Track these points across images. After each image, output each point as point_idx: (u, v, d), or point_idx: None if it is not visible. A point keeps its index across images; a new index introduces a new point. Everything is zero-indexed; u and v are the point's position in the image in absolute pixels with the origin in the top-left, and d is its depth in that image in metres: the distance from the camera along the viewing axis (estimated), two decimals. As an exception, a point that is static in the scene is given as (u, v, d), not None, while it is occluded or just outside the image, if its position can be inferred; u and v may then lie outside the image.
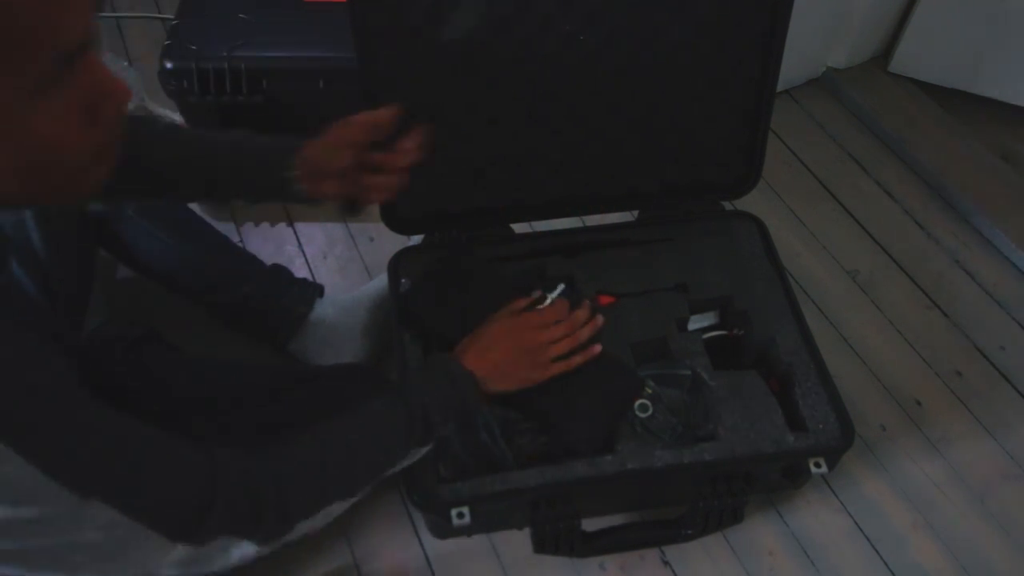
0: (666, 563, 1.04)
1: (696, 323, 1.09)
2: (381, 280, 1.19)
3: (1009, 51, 1.46)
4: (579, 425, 0.93)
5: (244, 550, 0.69)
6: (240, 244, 1.33)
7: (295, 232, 1.38)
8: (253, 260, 1.19)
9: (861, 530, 1.08)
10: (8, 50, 0.46)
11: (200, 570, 0.68)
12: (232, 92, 1.25)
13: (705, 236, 1.13)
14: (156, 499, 0.60)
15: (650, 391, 0.98)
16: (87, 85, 0.53)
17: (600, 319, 0.96)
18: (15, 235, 0.96)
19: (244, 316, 1.17)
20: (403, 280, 1.08)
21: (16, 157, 0.52)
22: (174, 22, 1.31)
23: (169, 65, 1.25)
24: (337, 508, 0.84)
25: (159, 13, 1.69)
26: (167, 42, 1.28)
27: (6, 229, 0.96)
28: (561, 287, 1.00)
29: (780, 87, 1.09)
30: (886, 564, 1.05)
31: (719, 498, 0.94)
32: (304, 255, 1.35)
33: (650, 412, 0.96)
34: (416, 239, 1.16)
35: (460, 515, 0.89)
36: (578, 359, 0.92)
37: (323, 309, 1.17)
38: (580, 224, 1.22)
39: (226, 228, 1.34)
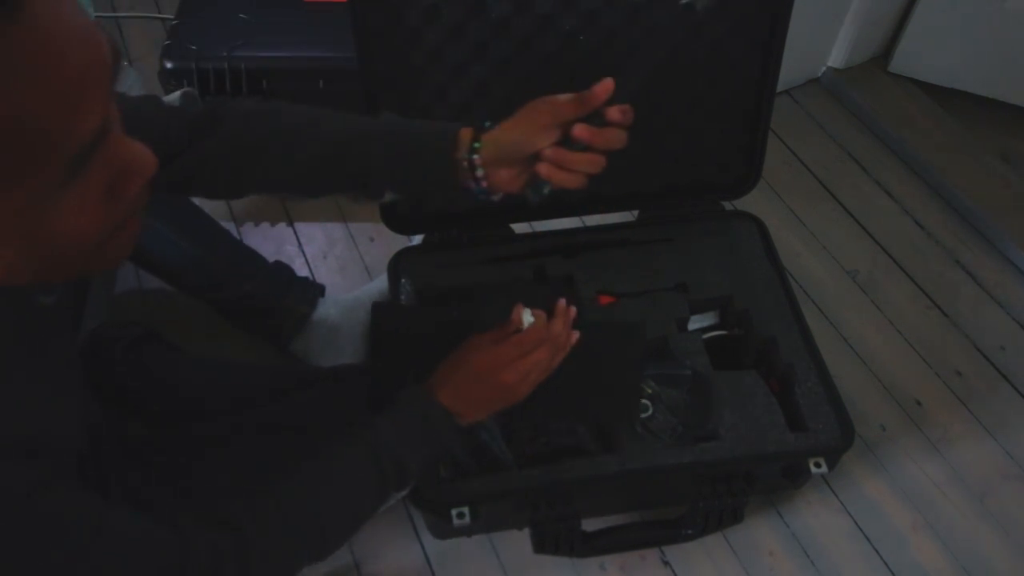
0: (666, 563, 1.04)
1: (696, 323, 1.09)
2: (381, 280, 1.19)
3: (1009, 51, 1.45)
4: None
5: None
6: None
7: (295, 232, 1.38)
8: (255, 256, 1.19)
9: (861, 530, 1.08)
10: (21, 159, 0.43)
11: None
12: (232, 92, 1.25)
13: (705, 236, 1.13)
14: None
15: (650, 391, 0.98)
16: (108, 167, 0.49)
17: (573, 310, 0.88)
18: None
19: (246, 313, 1.17)
20: (403, 280, 1.08)
21: (32, 254, 0.49)
22: (174, 22, 1.31)
23: (169, 65, 1.25)
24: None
25: (159, 13, 1.69)
26: (167, 42, 1.28)
27: None
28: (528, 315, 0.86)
29: (780, 87, 1.08)
30: (886, 564, 1.05)
31: (719, 498, 0.94)
32: (304, 255, 1.35)
33: (650, 412, 0.96)
34: (416, 239, 1.16)
35: (460, 515, 0.89)
36: (560, 358, 0.86)
37: (325, 309, 1.17)
38: (580, 224, 1.22)
39: (225, 227, 1.33)
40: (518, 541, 1.03)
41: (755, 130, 1.07)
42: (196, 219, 1.16)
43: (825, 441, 0.95)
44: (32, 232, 0.47)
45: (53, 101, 0.43)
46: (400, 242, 1.15)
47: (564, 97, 0.72)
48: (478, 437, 0.93)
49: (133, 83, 1.40)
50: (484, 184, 0.75)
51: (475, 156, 0.74)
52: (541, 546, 0.95)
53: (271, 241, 1.36)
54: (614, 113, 0.71)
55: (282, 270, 1.19)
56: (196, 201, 1.17)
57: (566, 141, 0.73)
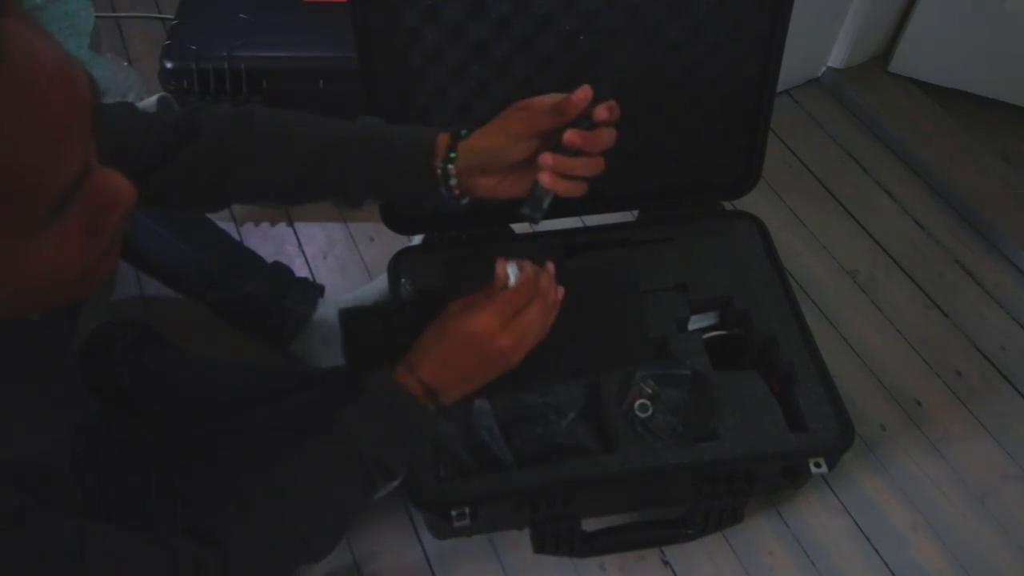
0: (666, 563, 1.04)
1: (696, 323, 1.09)
2: (381, 280, 1.19)
3: (1009, 51, 1.45)
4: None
5: None
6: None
7: (295, 232, 1.38)
8: (255, 257, 1.19)
9: (861, 530, 1.08)
10: (1, 205, 0.42)
11: None
12: (232, 92, 1.25)
13: (705, 236, 1.13)
14: None
15: (650, 391, 0.98)
16: (88, 204, 0.48)
17: (551, 265, 0.80)
18: None
19: (247, 315, 1.17)
20: (403, 280, 1.08)
21: (11, 293, 0.48)
22: (174, 22, 1.31)
23: (169, 65, 1.25)
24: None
25: (159, 13, 1.69)
26: (167, 42, 1.28)
27: None
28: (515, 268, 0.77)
29: (780, 87, 1.08)
30: (886, 564, 1.05)
31: (719, 498, 0.94)
32: (304, 255, 1.35)
33: (650, 412, 0.96)
34: (416, 239, 1.16)
35: (460, 515, 0.89)
36: (552, 317, 0.78)
37: (325, 309, 1.17)
38: (580, 224, 1.22)
39: (225, 228, 1.33)
40: (518, 541, 1.03)
41: (755, 130, 1.07)
42: (195, 221, 1.16)
43: (825, 441, 0.95)
44: (9, 273, 0.46)
45: (37, 147, 0.42)
46: (400, 242, 1.15)
47: (541, 104, 0.71)
48: (478, 437, 0.93)
49: (133, 83, 1.40)
50: (456, 192, 0.75)
51: (450, 166, 0.73)
52: (541, 546, 0.95)
53: (271, 241, 1.36)
54: (601, 112, 0.70)
55: (282, 271, 1.19)
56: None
57: (558, 148, 0.71)
